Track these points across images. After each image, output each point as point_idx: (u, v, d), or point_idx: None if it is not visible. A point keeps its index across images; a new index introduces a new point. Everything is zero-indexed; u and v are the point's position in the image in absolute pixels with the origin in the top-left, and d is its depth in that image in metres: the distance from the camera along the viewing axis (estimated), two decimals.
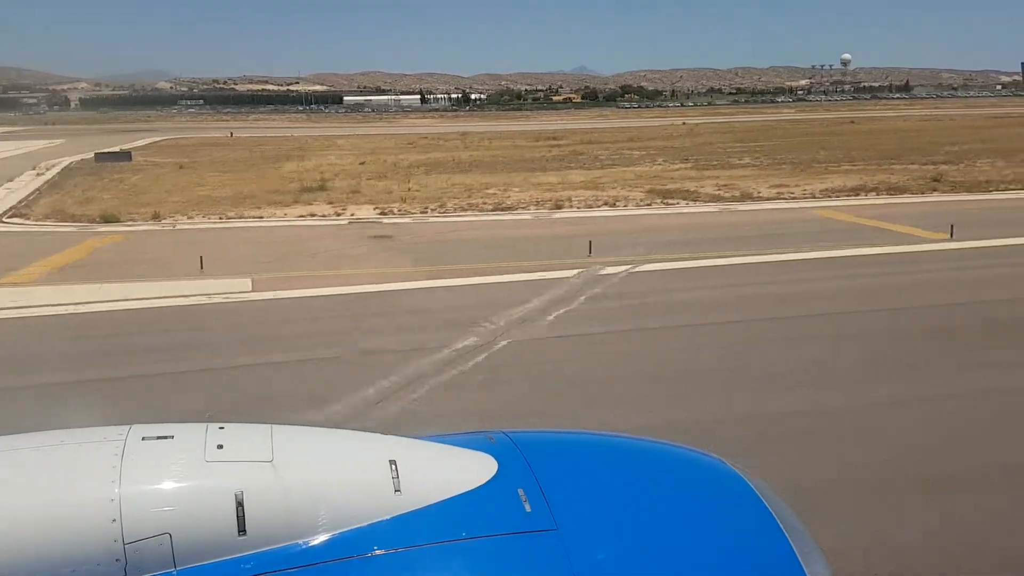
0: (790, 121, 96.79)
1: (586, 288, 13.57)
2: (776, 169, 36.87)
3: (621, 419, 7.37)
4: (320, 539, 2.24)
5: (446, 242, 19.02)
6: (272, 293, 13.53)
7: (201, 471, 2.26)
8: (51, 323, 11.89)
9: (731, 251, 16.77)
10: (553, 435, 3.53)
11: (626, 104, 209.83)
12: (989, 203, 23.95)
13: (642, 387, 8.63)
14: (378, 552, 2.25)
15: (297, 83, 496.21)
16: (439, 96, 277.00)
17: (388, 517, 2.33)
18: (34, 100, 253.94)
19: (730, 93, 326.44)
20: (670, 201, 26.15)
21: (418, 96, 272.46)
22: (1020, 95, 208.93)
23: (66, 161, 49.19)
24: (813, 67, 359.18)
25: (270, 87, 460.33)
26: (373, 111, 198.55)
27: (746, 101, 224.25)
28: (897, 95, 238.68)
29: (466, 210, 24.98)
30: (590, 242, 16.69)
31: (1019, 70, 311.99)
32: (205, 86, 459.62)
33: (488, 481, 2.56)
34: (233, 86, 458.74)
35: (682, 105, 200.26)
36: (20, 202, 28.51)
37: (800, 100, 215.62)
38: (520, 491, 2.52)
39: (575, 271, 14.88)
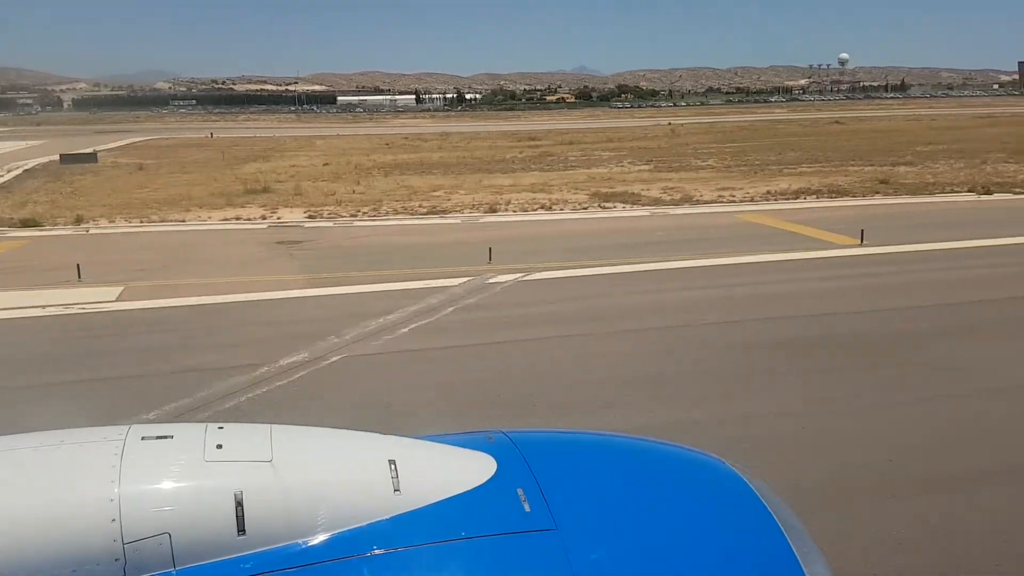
0: (776, 121, 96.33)
1: (463, 298, 13.13)
2: (734, 171, 36.41)
3: None
4: (319, 539, 2.24)
5: (354, 248, 18.59)
6: (136, 303, 13.10)
7: (200, 471, 2.26)
8: None
9: (636, 258, 16.35)
10: (552, 435, 3.55)
11: (618, 104, 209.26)
12: (921, 207, 23.42)
13: (438, 406, 8.17)
14: (377, 552, 2.24)
15: (296, 83, 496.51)
16: (434, 96, 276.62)
17: (387, 517, 2.33)
18: (29, 101, 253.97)
19: (728, 93, 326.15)
20: (607, 205, 25.71)
21: (413, 96, 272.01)
22: (1014, 94, 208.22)
23: (32, 163, 48.88)
24: (810, 67, 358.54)
25: (268, 87, 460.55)
26: (364, 111, 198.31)
27: (739, 101, 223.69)
28: (891, 95, 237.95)
29: (399, 214, 24.56)
30: (490, 249, 16.27)
31: (1018, 69, 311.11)
32: (204, 86, 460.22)
33: (487, 481, 2.56)
34: (231, 86, 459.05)
35: (675, 105, 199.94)
36: None
37: (793, 100, 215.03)
38: (519, 491, 2.52)
39: (464, 279, 14.44)
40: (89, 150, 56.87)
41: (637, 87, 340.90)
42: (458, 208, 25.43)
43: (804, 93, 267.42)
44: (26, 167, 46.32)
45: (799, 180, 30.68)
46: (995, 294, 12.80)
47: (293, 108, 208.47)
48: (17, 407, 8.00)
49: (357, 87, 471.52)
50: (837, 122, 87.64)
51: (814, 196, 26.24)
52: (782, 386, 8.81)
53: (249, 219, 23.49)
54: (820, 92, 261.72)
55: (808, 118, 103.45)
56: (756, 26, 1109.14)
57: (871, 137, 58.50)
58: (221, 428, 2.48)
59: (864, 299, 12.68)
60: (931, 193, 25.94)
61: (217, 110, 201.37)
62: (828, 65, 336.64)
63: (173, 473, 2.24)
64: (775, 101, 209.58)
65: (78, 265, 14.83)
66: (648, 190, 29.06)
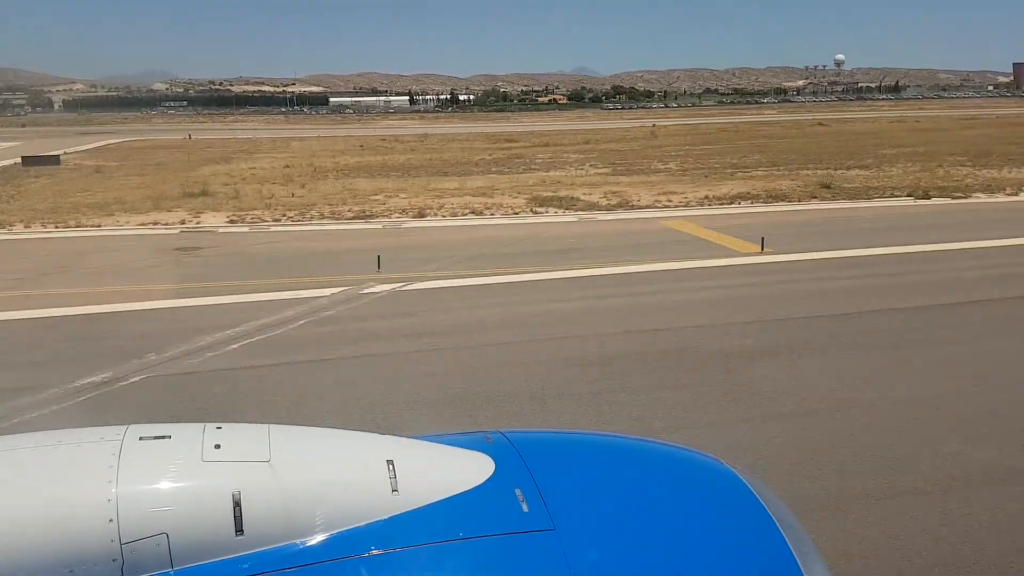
0: (761, 123, 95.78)
1: (324, 310, 12.66)
2: (689, 175, 35.92)
3: None
4: (318, 539, 2.23)
5: (251, 255, 18.13)
6: None
7: (198, 471, 2.25)
8: None
9: (533, 266, 15.88)
10: (551, 435, 3.53)
11: (609, 105, 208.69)
12: (849, 212, 22.87)
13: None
14: (375, 552, 2.24)
15: (293, 84, 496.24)
16: (428, 97, 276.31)
17: (385, 517, 2.32)
18: (22, 102, 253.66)
19: (725, 94, 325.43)
20: (540, 210, 25.23)
21: (407, 98, 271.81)
22: (1006, 96, 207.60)
23: None
24: (807, 68, 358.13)
25: (266, 88, 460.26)
26: (354, 112, 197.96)
27: (731, 102, 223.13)
28: (883, 96, 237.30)
29: (324, 218, 24.09)
30: (379, 257, 15.81)
31: (1013, 71, 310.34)
32: (202, 87, 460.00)
33: (485, 481, 2.55)
34: (229, 87, 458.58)
35: (666, 106, 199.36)
36: None
37: (785, 101, 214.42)
38: (517, 491, 2.52)
39: (339, 289, 13.98)
40: (56, 152, 56.50)
41: (632, 88, 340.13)
42: (388, 213, 24.97)
43: (798, 94, 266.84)
44: None
45: (745, 184, 30.21)
46: (857, 306, 12.33)
47: (283, 109, 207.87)
48: None
49: (355, 88, 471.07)
50: (821, 124, 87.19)
51: (749, 201, 25.76)
52: (569, 407, 8.33)
53: (167, 224, 23.02)
54: (814, 93, 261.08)
55: (794, 119, 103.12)
56: (755, 27, 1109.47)
57: (846, 139, 58.07)
58: (219, 428, 2.46)
59: (720, 311, 12.20)
60: (869, 198, 25.46)
61: (206, 111, 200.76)
62: (824, 66, 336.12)
63: (171, 473, 2.23)
64: (767, 102, 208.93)
65: None
66: (590, 194, 28.60)
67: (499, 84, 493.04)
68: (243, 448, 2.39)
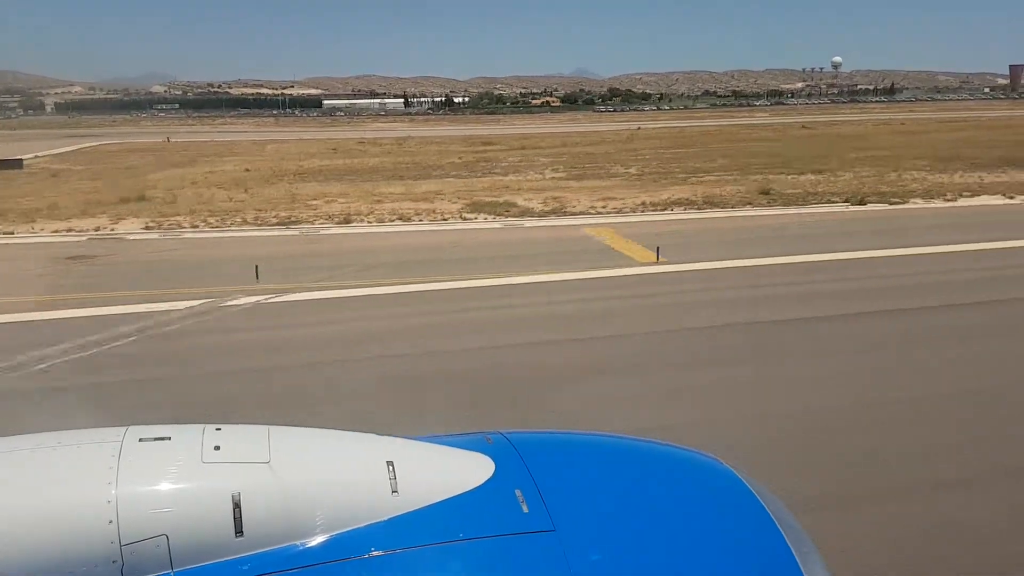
0: (745, 126, 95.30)
1: (166, 325, 12.15)
2: (644, 179, 35.44)
3: None
4: (317, 540, 2.23)
5: (141, 264, 17.64)
6: None
7: (198, 472, 2.24)
8: None
9: (425, 276, 15.35)
10: (550, 436, 3.46)
11: (602, 108, 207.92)
12: (772, 220, 22.38)
13: None
14: (375, 553, 2.24)
15: (292, 87, 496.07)
16: (422, 100, 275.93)
17: (385, 518, 2.32)
18: (15, 104, 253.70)
19: (723, 95, 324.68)
20: (470, 216, 24.75)
21: (402, 100, 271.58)
22: (999, 98, 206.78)
23: None
24: (803, 70, 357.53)
25: (264, 91, 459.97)
26: (345, 115, 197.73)
27: (725, 105, 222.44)
28: (876, 99, 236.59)
29: (247, 224, 23.61)
30: (256, 267, 15.32)
31: (1009, 73, 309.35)
32: (200, 90, 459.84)
33: (485, 482, 2.56)
34: (227, 90, 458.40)
35: (658, 109, 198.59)
36: None
37: (779, 104, 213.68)
38: (517, 492, 2.52)
39: (201, 301, 13.49)
40: (24, 156, 56.11)
41: (628, 91, 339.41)
42: (314, 219, 24.47)
43: (792, 96, 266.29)
44: None
45: (690, 190, 29.70)
46: (724, 319, 11.86)
47: (275, 112, 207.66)
48: None
49: (353, 91, 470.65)
50: (805, 127, 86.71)
51: (683, 208, 25.25)
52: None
53: (81, 231, 22.53)
54: (809, 96, 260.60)
55: (781, 122, 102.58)
56: (755, 29, 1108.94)
57: (822, 142, 57.62)
58: (219, 429, 2.45)
59: (576, 326, 11.79)
60: (803, 204, 24.93)
61: (196, 114, 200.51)
62: (821, 68, 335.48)
63: (171, 475, 2.22)
64: (760, 105, 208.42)
65: None
66: (531, 200, 28.15)
67: (497, 87, 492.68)
68: (243, 449, 2.38)
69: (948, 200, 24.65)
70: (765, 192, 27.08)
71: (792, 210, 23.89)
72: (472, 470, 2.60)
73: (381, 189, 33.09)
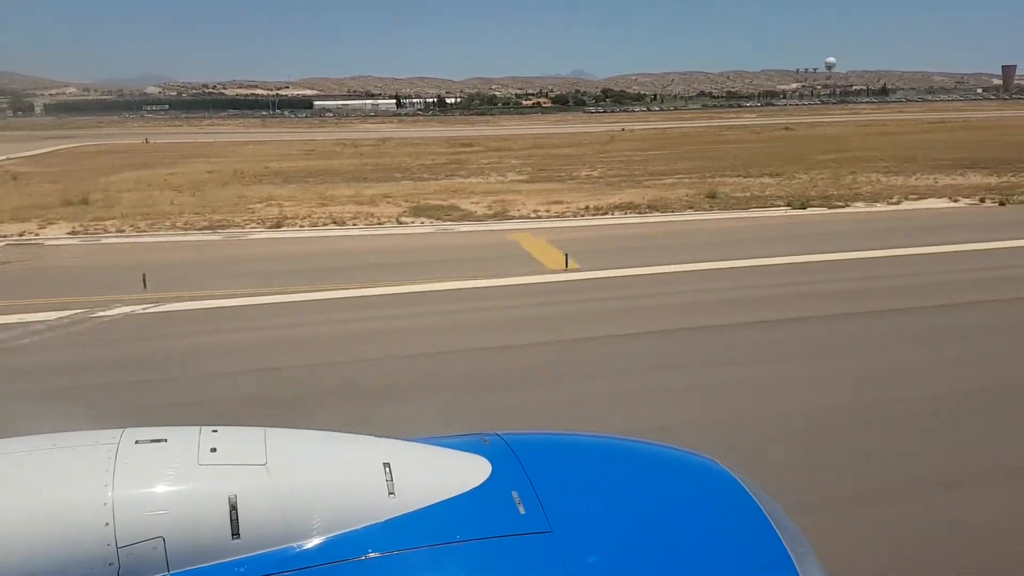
0: (728, 127, 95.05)
1: (26, 337, 11.69)
2: (600, 182, 35.03)
3: None
4: (314, 542, 2.23)
5: (43, 270, 17.19)
6: None
7: (194, 474, 2.24)
8: None
9: (330, 284, 14.85)
10: (547, 437, 3.40)
11: (592, 109, 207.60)
12: (710, 224, 21.97)
13: None
14: (372, 555, 2.23)
15: (287, 87, 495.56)
16: (415, 100, 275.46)
17: (382, 519, 2.31)
18: (4, 105, 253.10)
19: (718, 96, 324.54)
20: (406, 220, 24.30)
21: (394, 101, 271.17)
22: (990, 99, 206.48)
23: None
24: (797, 71, 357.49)
25: (259, 92, 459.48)
26: (334, 116, 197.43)
27: (715, 106, 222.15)
28: (866, 99, 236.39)
29: (176, 228, 23.13)
30: (144, 275, 14.83)
31: (1002, 73, 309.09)
32: (195, 91, 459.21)
33: (482, 483, 2.56)
34: (222, 91, 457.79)
35: (648, 110, 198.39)
36: None
37: (769, 104, 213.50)
38: (514, 493, 2.51)
39: (73, 312, 13.01)
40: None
41: (622, 92, 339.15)
42: (248, 223, 24.01)
43: (784, 97, 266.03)
44: None
45: (642, 193, 29.28)
46: (609, 330, 11.41)
47: (265, 113, 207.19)
48: None
49: (348, 91, 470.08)
50: (788, 128, 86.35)
51: (624, 212, 24.81)
52: None
53: (5, 235, 22.05)
54: (800, 96, 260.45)
55: (765, 124, 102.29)
56: (751, 30, 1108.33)
57: (796, 144, 57.31)
58: (215, 431, 2.44)
59: (451, 338, 11.28)
60: (745, 208, 24.50)
61: (185, 115, 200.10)
62: (815, 69, 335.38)
63: (167, 477, 2.21)
64: (749, 106, 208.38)
65: None
66: (478, 203, 27.75)
67: (493, 87, 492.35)
68: (239, 451, 2.37)
69: (891, 204, 24.21)
70: (712, 196, 26.63)
71: (731, 215, 23.46)
72: (469, 471, 2.59)
73: (333, 192, 32.67)
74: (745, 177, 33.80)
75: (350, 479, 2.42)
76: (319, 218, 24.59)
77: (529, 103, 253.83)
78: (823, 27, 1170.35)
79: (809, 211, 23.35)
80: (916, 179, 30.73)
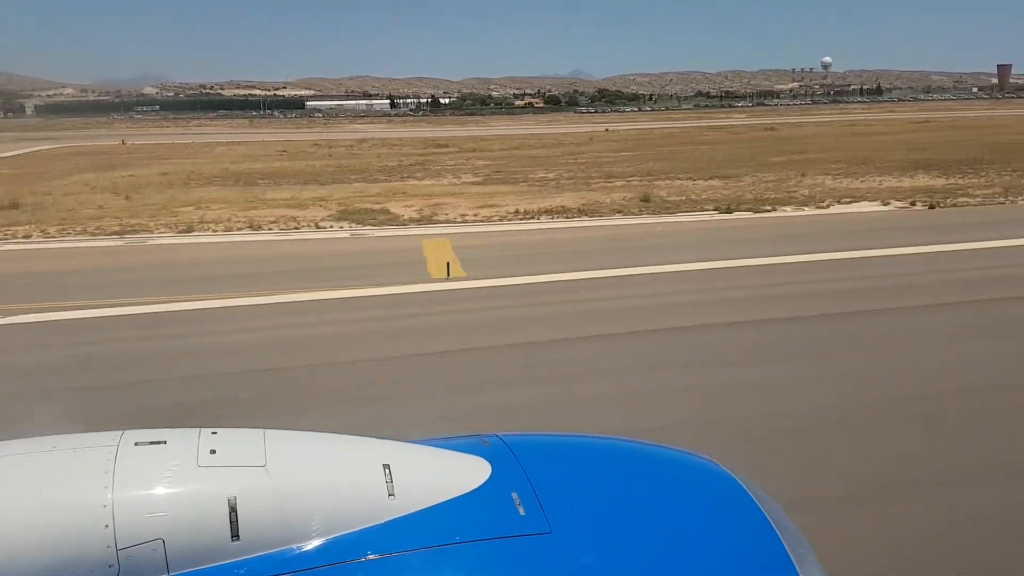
0: (711, 128, 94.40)
1: None
2: (551, 185, 34.43)
3: None
4: (314, 544, 2.22)
5: None
6: None
7: (194, 476, 2.23)
8: None
9: (204, 294, 14.17)
10: (547, 438, 3.31)
11: (583, 109, 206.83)
12: (625, 229, 21.30)
13: None
14: (372, 557, 2.23)
15: (285, 88, 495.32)
16: (408, 101, 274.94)
17: (382, 521, 2.30)
18: None
19: (716, 96, 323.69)
20: (327, 225, 23.69)
21: (388, 101, 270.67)
22: (982, 98, 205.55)
23: None
24: (794, 71, 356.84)
25: (257, 92, 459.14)
26: (323, 116, 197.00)
27: (706, 106, 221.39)
28: (858, 99, 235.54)
29: (86, 234, 22.52)
30: None
31: (997, 72, 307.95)
32: (192, 91, 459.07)
33: (482, 484, 2.54)
34: (219, 91, 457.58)
35: (640, 110, 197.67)
36: None
37: (760, 104, 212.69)
38: (514, 494, 2.51)
39: None
40: None
41: (618, 91, 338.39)
42: (160, 227, 23.39)
43: (777, 98, 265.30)
44: None
45: (582, 196, 28.71)
46: (458, 344, 10.80)
47: (255, 113, 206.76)
48: None
49: (346, 91, 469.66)
50: (771, 129, 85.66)
51: (551, 216, 24.20)
52: None
53: None
54: (794, 96, 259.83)
55: (749, 124, 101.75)
56: (750, 30, 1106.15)
57: (765, 145, 56.76)
58: (215, 433, 2.43)
59: (290, 354, 10.62)
60: (674, 212, 23.87)
61: (173, 116, 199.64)
62: (811, 69, 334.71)
63: (166, 479, 2.20)
64: (741, 106, 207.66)
65: None
66: (411, 206, 27.22)
67: (491, 87, 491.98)
68: (239, 453, 2.35)
69: (820, 207, 23.54)
70: (645, 200, 25.99)
71: (655, 219, 22.84)
72: (468, 473, 2.58)
73: (272, 195, 32.13)
74: (695, 180, 33.17)
75: (350, 480, 2.41)
76: (237, 223, 23.97)
77: (521, 103, 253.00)
78: (822, 27, 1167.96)
79: (735, 215, 22.69)
80: (861, 181, 30.07)
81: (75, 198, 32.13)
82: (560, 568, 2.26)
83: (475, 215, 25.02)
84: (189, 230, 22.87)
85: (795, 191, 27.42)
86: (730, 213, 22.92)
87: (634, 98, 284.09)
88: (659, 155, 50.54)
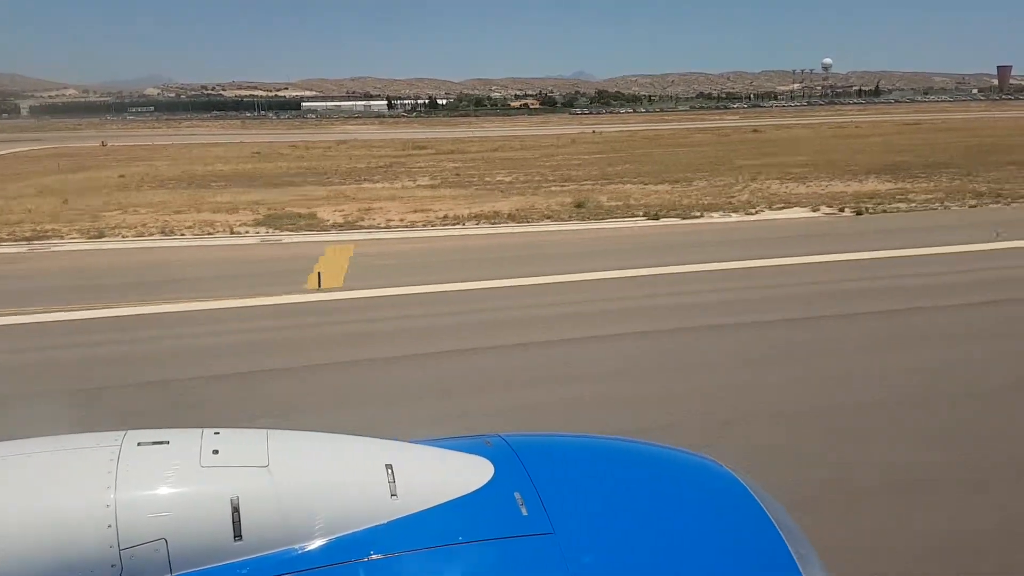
0: (698, 130, 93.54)
1: None
2: (505, 188, 33.71)
3: None
4: (316, 544, 2.21)
5: None
6: None
7: (197, 476, 2.23)
8: None
9: (55, 306, 13.55)
10: (549, 438, 3.31)
11: (577, 111, 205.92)
12: (543, 236, 20.67)
13: None
14: (375, 557, 2.22)
15: (286, 89, 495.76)
16: (405, 102, 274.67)
17: (384, 521, 2.30)
18: None
19: (715, 97, 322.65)
20: (243, 230, 23.01)
21: (385, 103, 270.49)
22: (979, 99, 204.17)
23: None
24: (794, 72, 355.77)
25: (258, 92, 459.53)
26: (316, 117, 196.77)
27: (701, 107, 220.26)
28: (854, 101, 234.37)
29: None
30: None
31: (997, 74, 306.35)
32: (194, 92, 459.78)
33: (484, 485, 2.53)
34: (221, 92, 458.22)
35: (634, 111, 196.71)
36: None
37: (755, 106, 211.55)
38: (517, 495, 2.50)
39: None
40: None
41: (617, 93, 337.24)
42: (71, 232, 22.75)
43: (774, 99, 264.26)
44: None
45: (523, 201, 27.97)
46: (286, 363, 10.11)
47: (248, 114, 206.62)
48: None
49: (347, 92, 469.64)
50: (755, 131, 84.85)
51: (476, 222, 23.51)
52: None
53: None
54: (792, 98, 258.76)
55: (736, 126, 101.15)
56: (752, 31, 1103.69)
57: (742, 148, 56.08)
58: (217, 433, 2.43)
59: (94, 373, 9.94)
60: (604, 219, 23.11)
61: (165, 117, 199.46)
62: (811, 70, 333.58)
63: (169, 479, 2.20)
64: (736, 107, 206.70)
65: None
66: (341, 211, 26.56)
67: (493, 88, 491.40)
68: (241, 453, 2.34)
69: (748, 214, 22.76)
70: (579, 206, 25.25)
71: (581, 226, 22.12)
72: (471, 473, 2.56)
73: (213, 198, 31.55)
74: (646, 184, 32.43)
75: (352, 481, 2.39)
76: (152, 228, 23.30)
77: (516, 104, 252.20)
78: (825, 28, 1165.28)
79: (661, 222, 21.94)
80: (808, 186, 29.26)
81: (17, 201, 31.58)
82: (563, 568, 2.25)
83: (401, 220, 24.33)
84: (100, 236, 22.22)
85: (736, 196, 26.64)
86: (656, 220, 22.16)
87: (633, 99, 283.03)
88: (630, 158, 49.79)
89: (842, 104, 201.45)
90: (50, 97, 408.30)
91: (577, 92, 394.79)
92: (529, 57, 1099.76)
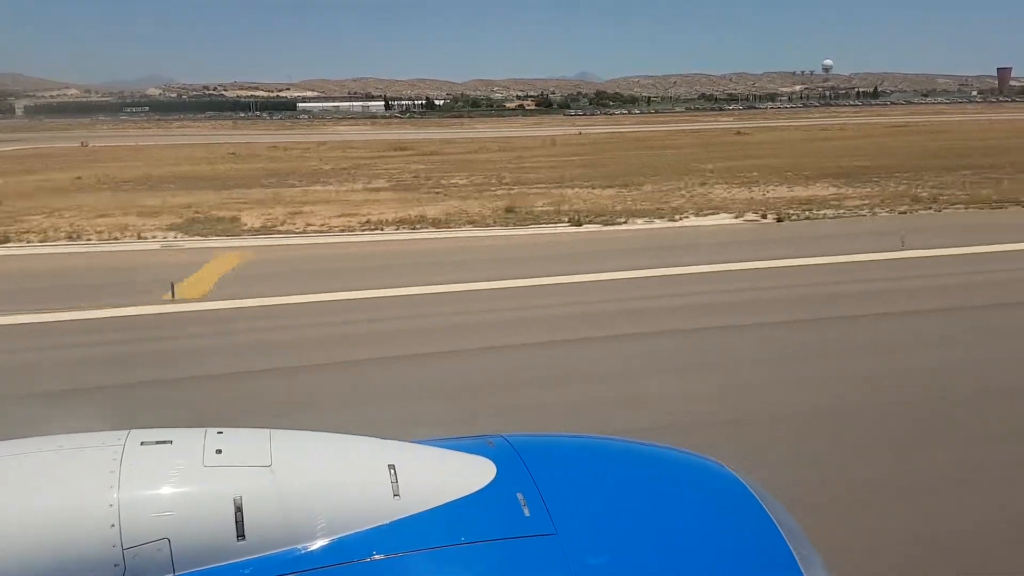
0: (686, 132, 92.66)
1: None
2: (455, 192, 33.06)
3: None
4: (319, 544, 2.21)
5: None
6: None
7: (200, 476, 2.23)
8: None
9: None
10: (551, 439, 3.32)
11: (571, 112, 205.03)
12: (457, 242, 19.99)
13: None
14: (377, 557, 2.22)
15: (288, 89, 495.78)
16: (403, 103, 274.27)
17: (387, 522, 2.30)
18: None
19: (720, 99, 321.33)
20: (152, 235, 22.40)
21: (383, 103, 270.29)
22: (976, 101, 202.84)
23: None
24: (795, 73, 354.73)
25: (260, 93, 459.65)
26: (309, 118, 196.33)
27: (696, 108, 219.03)
28: (851, 102, 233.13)
29: None
30: None
31: (996, 75, 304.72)
32: (195, 92, 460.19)
33: (487, 485, 2.53)
34: (223, 92, 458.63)
35: (628, 112, 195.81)
36: None
37: (750, 108, 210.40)
38: (519, 495, 2.50)
39: None
40: None
41: (617, 94, 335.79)
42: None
43: (772, 100, 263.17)
44: None
45: (457, 205, 27.30)
46: (119, 379, 9.39)
47: (241, 115, 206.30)
48: None
49: (349, 93, 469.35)
50: (740, 133, 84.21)
51: (395, 227, 22.83)
52: None
53: None
54: (789, 99, 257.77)
55: (724, 128, 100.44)
56: (755, 32, 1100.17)
57: (716, 151, 55.35)
58: (220, 433, 2.43)
59: None
60: (529, 224, 22.40)
61: (158, 117, 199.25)
62: (813, 72, 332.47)
63: (172, 478, 2.20)
64: (731, 109, 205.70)
65: None
66: (269, 214, 26.07)
67: (495, 89, 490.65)
68: (244, 453, 2.33)
69: (672, 221, 21.96)
70: (509, 211, 24.53)
71: (500, 232, 21.43)
72: (474, 473, 2.56)
73: (148, 200, 31.00)
74: (595, 188, 31.67)
75: (355, 481, 2.38)
76: (60, 232, 22.66)
77: (512, 105, 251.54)
78: (828, 29, 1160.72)
79: (583, 228, 21.17)
80: (752, 191, 28.50)
81: None
82: (565, 569, 2.25)
83: (322, 225, 23.67)
84: (5, 241, 21.58)
85: (671, 202, 25.85)
86: (579, 226, 21.40)
87: (631, 100, 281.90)
88: (598, 161, 49.04)
89: (838, 106, 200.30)
90: (51, 97, 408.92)
91: (579, 93, 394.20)
92: (532, 58, 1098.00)
